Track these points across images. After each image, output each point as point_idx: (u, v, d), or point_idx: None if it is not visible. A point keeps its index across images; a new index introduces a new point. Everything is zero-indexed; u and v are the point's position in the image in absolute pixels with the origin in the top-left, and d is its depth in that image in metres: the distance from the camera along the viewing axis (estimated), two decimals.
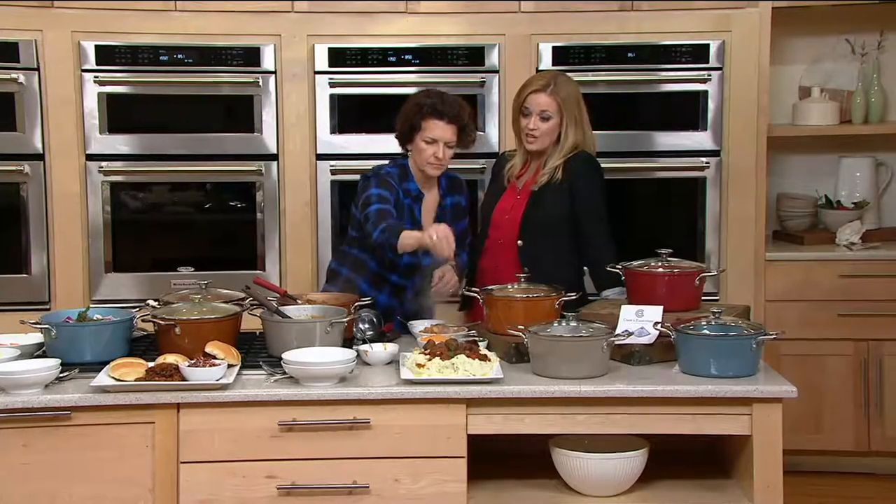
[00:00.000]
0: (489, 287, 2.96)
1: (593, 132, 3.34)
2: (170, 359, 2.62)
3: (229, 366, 2.62)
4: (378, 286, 3.20)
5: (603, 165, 3.36)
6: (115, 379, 2.56)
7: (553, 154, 3.27)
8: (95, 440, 2.54)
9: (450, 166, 3.96)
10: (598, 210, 3.26)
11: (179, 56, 3.93)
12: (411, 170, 3.20)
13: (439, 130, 3.11)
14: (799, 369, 3.88)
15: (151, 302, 2.97)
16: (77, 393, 2.54)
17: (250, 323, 2.91)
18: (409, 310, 3.17)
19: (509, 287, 2.92)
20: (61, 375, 2.59)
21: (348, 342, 2.81)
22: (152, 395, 2.53)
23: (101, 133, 3.94)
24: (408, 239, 2.94)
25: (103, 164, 3.95)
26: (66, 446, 2.53)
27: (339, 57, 3.97)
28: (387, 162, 3.32)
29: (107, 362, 2.63)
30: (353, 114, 3.97)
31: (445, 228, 2.91)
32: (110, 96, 3.94)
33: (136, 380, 2.55)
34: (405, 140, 3.19)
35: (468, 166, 4.02)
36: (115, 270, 3.99)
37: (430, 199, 3.23)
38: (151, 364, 2.61)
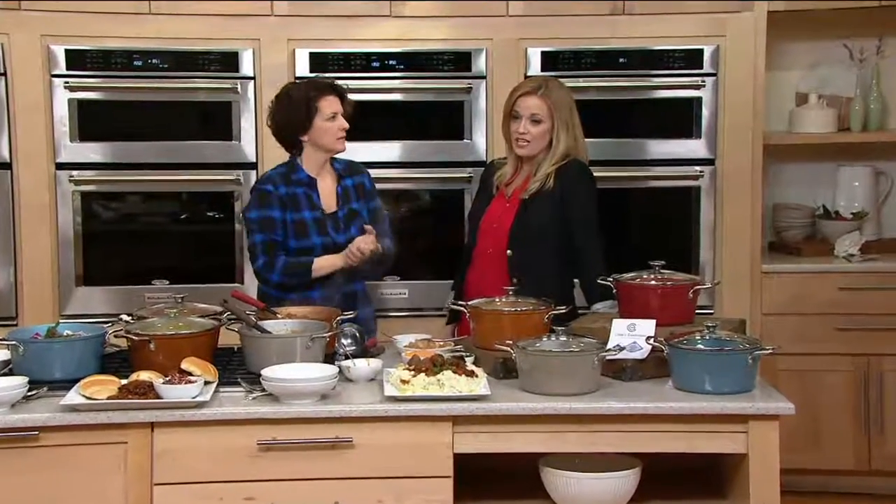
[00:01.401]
0: (476, 300, 2.97)
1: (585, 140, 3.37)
2: (143, 376, 2.62)
3: (206, 383, 2.62)
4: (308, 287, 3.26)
5: (593, 173, 3.38)
6: (86, 397, 2.55)
7: (544, 161, 3.29)
8: (65, 462, 2.53)
9: (438, 175, 4.03)
10: (591, 220, 3.28)
11: (154, 61, 3.94)
12: (300, 162, 3.30)
13: (335, 105, 3.27)
14: (796, 385, 3.90)
15: (124, 317, 2.97)
16: (46, 412, 2.52)
17: (228, 338, 2.92)
18: (348, 292, 3.23)
19: (497, 300, 2.93)
20: (29, 394, 2.58)
21: (330, 358, 2.81)
22: (125, 413, 2.52)
23: (71, 141, 3.94)
24: (323, 269, 3.21)
25: (74, 173, 3.95)
26: (33, 468, 2.52)
27: (320, 62, 3.98)
28: (277, 165, 3.38)
29: (77, 380, 2.62)
30: None
31: (357, 240, 3.18)
32: (81, 102, 3.94)
33: (107, 398, 2.55)
34: (301, 131, 3.27)
35: (454, 175, 4.05)
36: (86, 284, 3.98)
37: (327, 184, 3.32)
38: (124, 381, 2.60)
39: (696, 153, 4.08)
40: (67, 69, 3.92)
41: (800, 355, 4.00)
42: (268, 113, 3.34)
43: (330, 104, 3.25)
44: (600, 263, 3.19)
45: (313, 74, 3.94)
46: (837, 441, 4.09)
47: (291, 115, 3.25)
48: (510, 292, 2.94)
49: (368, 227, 3.26)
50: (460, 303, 3.02)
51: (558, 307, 2.88)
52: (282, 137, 3.33)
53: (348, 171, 3.37)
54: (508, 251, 3.29)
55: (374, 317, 3.43)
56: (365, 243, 3.18)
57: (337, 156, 3.36)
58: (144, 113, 3.99)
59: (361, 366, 2.77)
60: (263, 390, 2.61)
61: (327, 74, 3.91)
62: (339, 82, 3.35)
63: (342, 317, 2.95)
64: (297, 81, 3.35)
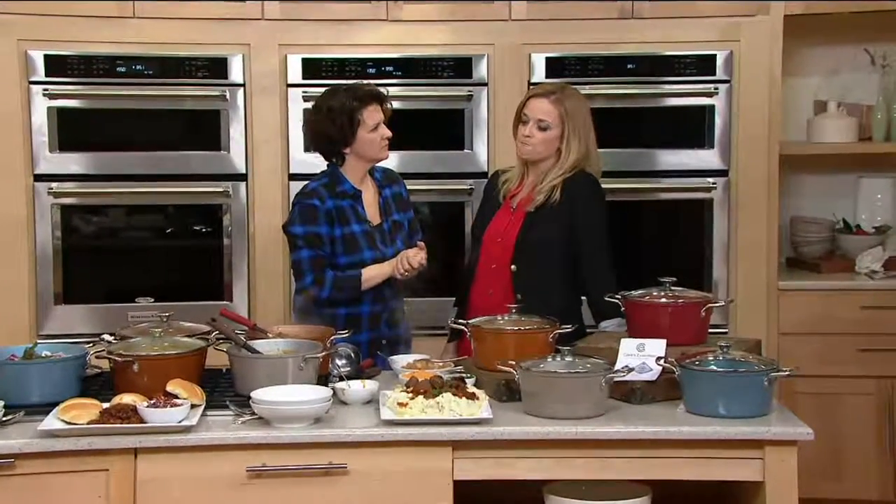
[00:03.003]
0: (477, 319, 2.99)
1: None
2: (126, 399, 2.63)
3: (192, 406, 2.63)
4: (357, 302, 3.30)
5: (602, 186, 3.40)
6: (66, 422, 2.56)
7: (551, 171, 3.31)
8: (43, 491, 2.53)
9: (437, 187, 4.05)
10: (599, 235, 3.30)
11: (138, 67, 3.96)
12: (343, 172, 3.33)
13: (377, 114, 3.30)
14: (816, 409, 3.90)
15: (107, 336, 2.99)
16: (22, 438, 2.53)
17: (216, 359, 2.93)
18: (395, 308, 3.33)
19: (499, 319, 2.95)
20: (4, 419, 2.59)
21: (323, 379, 2.83)
22: (107, 439, 2.53)
23: (50, 151, 3.96)
24: (372, 280, 3.25)
25: (53, 185, 3.97)
26: (9, 498, 2.52)
27: (313, 68, 4.01)
28: (317, 174, 3.39)
29: (56, 404, 2.63)
30: None
31: (408, 252, 3.22)
32: (61, 111, 3.96)
33: (88, 423, 2.55)
34: (344, 144, 3.30)
35: (455, 187, 4.07)
36: (65, 302, 4.00)
37: (369, 194, 3.37)
38: (106, 405, 2.61)
39: (708, 164, 4.10)
40: (46, 76, 3.94)
41: (819, 377, 4.00)
42: (303, 122, 3.36)
43: (372, 114, 3.28)
44: (609, 280, 3.21)
45: (307, 81, 3.97)
46: (860, 469, 4.09)
47: (333, 127, 3.27)
48: (513, 310, 2.96)
49: (421, 243, 3.29)
50: (461, 321, 3.03)
51: (564, 326, 2.90)
52: (321, 148, 3.36)
53: (386, 181, 3.42)
54: (513, 266, 3.31)
55: (410, 332, 3.46)
56: (417, 257, 3.22)
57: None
58: (128, 122, 4.01)
59: (357, 388, 2.78)
60: (253, 414, 2.62)
61: (321, 81, 3.96)
62: (372, 87, 3.36)
63: (336, 336, 2.96)
64: (334, 89, 3.35)
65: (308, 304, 3.25)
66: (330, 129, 3.27)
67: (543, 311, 2.98)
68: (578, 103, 3.34)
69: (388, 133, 3.31)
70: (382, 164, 3.42)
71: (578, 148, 3.30)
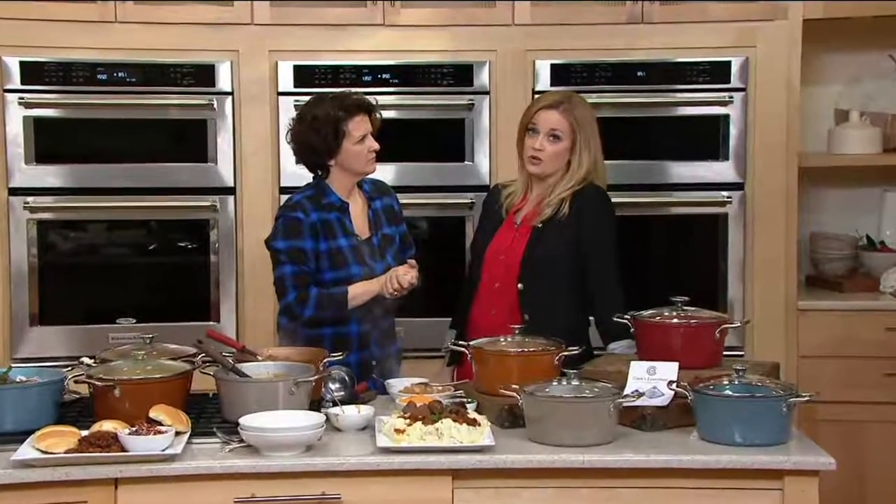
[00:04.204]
0: (479, 340, 3.00)
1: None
2: (107, 426, 2.63)
3: (177, 433, 2.64)
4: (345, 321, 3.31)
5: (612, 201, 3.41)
6: (42, 451, 2.56)
7: (559, 184, 3.33)
8: None
9: (436, 201, 4.06)
10: (607, 250, 3.31)
11: (120, 74, 3.98)
12: (329, 184, 3.34)
13: (364, 125, 3.31)
14: (838, 437, 3.90)
15: (86, 360, 2.99)
16: None
17: (202, 383, 2.94)
18: (385, 327, 3.33)
19: (501, 340, 2.96)
20: None
21: (316, 404, 2.84)
22: (85, 469, 2.54)
23: (26, 163, 3.98)
24: (359, 298, 3.24)
25: (29, 199, 3.98)
26: None
27: (305, 75, 4.03)
28: (302, 187, 3.40)
29: (31, 432, 2.63)
30: None
31: (398, 270, 3.22)
32: (38, 120, 3.98)
33: (66, 451, 2.56)
34: (328, 156, 3.31)
35: (454, 201, 4.08)
36: (41, 323, 4.01)
37: (357, 207, 3.38)
38: (85, 433, 2.62)
39: (723, 177, 4.12)
40: (22, 83, 3.96)
41: (841, 403, 4.00)
42: (287, 132, 3.37)
43: (359, 125, 3.28)
44: (616, 296, 3.22)
45: (299, 89, 3.99)
46: (885, 500, 4.09)
47: (317, 138, 3.27)
48: (517, 331, 2.97)
49: (412, 261, 3.29)
50: (462, 343, 3.04)
51: (570, 348, 2.91)
52: (305, 160, 3.37)
53: (376, 193, 3.43)
54: (519, 285, 3.31)
55: (401, 354, 3.46)
56: (407, 276, 3.22)
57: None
58: (109, 132, 4.03)
59: (351, 413, 2.79)
60: (242, 441, 2.63)
61: (314, 90, 3.97)
62: (360, 97, 3.35)
63: (329, 359, 2.97)
64: (320, 98, 3.36)
65: (294, 324, 3.26)
66: (314, 139, 3.27)
67: (549, 331, 3.00)
68: (586, 112, 3.36)
69: (376, 145, 3.31)
70: (374, 175, 3.43)
71: (588, 159, 3.32)
